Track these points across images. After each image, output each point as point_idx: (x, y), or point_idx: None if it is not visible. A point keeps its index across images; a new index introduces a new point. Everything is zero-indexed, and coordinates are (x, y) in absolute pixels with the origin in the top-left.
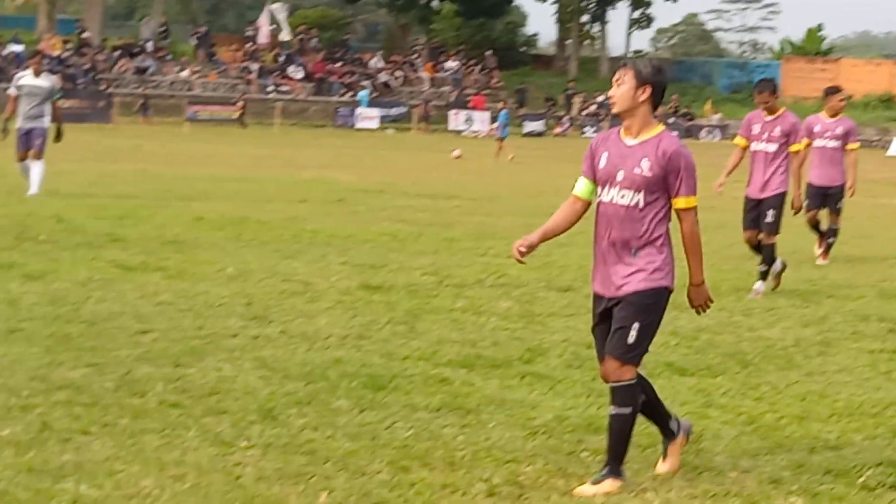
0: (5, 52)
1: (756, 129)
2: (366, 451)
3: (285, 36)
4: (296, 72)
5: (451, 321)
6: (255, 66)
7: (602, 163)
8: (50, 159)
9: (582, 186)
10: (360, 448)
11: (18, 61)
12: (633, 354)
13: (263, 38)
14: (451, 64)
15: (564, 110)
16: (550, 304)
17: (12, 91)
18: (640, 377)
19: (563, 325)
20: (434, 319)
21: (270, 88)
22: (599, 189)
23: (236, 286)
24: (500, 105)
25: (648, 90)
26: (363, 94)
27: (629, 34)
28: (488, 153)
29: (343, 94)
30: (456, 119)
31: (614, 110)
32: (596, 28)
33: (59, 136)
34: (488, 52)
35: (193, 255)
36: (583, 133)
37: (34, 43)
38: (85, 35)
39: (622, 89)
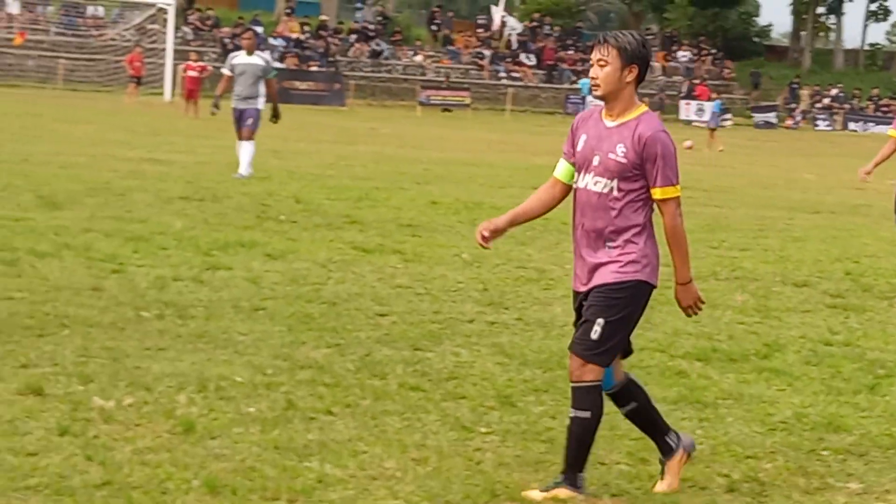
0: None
1: None
2: (605, 441)
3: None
4: (527, 58)
5: None
6: (487, 52)
7: (580, 145)
8: (287, 139)
9: (562, 168)
10: (598, 438)
11: (258, 42)
12: (597, 353)
13: (496, 24)
14: (684, 53)
15: (794, 103)
16: (786, 300)
17: (226, 70)
18: (631, 381)
19: (799, 321)
20: (670, 311)
21: (502, 74)
22: (576, 173)
23: (472, 271)
24: (714, 95)
25: (636, 69)
26: (584, 83)
27: (865, 26)
28: (715, 143)
29: (574, 82)
30: (687, 109)
31: (597, 93)
32: (831, 20)
33: (276, 117)
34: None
35: (429, 238)
36: (815, 126)
37: (273, 25)
38: (322, 17)
39: (606, 70)
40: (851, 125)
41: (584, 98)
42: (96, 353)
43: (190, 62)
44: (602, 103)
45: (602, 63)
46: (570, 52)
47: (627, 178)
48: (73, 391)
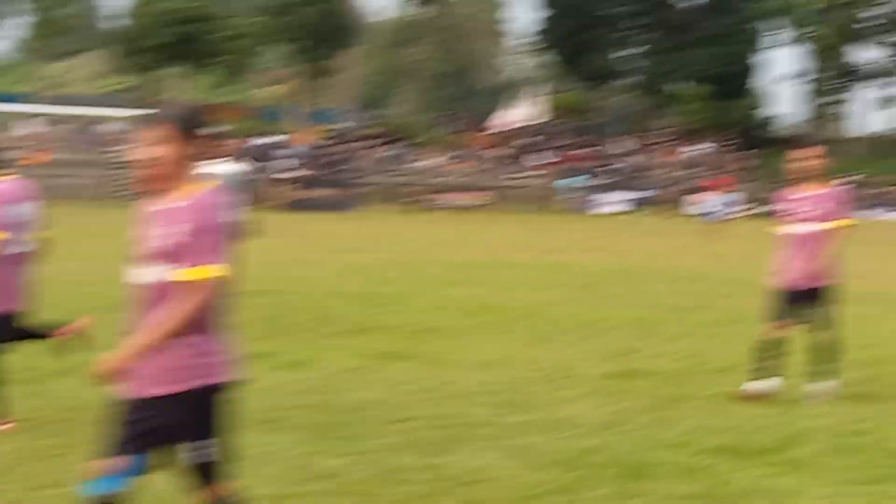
0: (260, 142)
1: None
2: None
3: (536, 117)
4: (543, 157)
5: (708, 407)
6: (502, 153)
7: None
8: (308, 248)
9: None
10: None
11: (274, 152)
12: None
13: (510, 124)
14: (699, 146)
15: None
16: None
17: None
18: None
19: (823, 411)
20: (691, 405)
21: (518, 174)
22: None
23: (491, 373)
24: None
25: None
26: (580, 179)
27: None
28: (731, 235)
29: (589, 179)
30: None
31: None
32: (843, 108)
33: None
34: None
35: (448, 342)
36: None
37: (289, 134)
38: (339, 125)
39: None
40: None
41: (600, 195)
42: None
43: None
44: None
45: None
46: (585, 150)
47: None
48: None
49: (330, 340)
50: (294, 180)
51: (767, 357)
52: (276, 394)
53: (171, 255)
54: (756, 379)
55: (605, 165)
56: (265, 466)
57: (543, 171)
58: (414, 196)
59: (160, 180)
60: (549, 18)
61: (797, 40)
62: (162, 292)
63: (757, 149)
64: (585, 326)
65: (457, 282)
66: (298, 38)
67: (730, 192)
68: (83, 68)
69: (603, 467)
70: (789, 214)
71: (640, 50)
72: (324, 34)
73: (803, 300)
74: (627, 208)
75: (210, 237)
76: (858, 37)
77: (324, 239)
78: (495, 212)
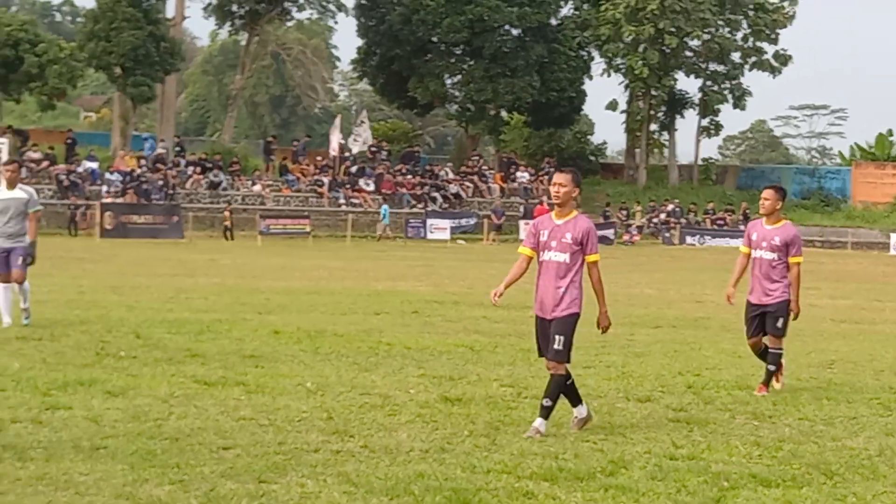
0: (80, 168)
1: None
2: None
3: (362, 145)
4: (366, 184)
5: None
6: (325, 179)
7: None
8: (126, 274)
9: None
10: None
11: (93, 178)
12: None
13: (333, 150)
14: (522, 174)
15: (631, 219)
16: (630, 415)
17: None
18: None
19: (643, 437)
20: (515, 431)
21: (342, 201)
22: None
23: (316, 400)
24: None
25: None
26: (384, 209)
27: (698, 142)
28: None
29: (413, 206)
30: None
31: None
32: (664, 136)
33: (31, 258)
34: (553, 161)
35: (272, 368)
36: (662, 241)
37: (109, 159)
38: (159, 150)
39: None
40: (689, 239)
41: (424, 223)
42: None
43: None
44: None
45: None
46: (409, 177)
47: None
48: None
49: (155, 367)
50: (114, 206)
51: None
52: (99, 422)
53: None
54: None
55: (432, 192)
56: (91, 495)
57: (369, 198)
58: (237, 222)
59: None
60: (368, 46)
61: (618, 69)
62: None
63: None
64: (411, 353)
65: (281, 309)
66: (119, 64)
67: None
68: None
69: (429, 493)
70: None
71: (461, 78)
72: (145, 59)
73: None
74: (454, 234)
75: None
76: (676, 67)
77: (145, 265)
78: (321, 238)
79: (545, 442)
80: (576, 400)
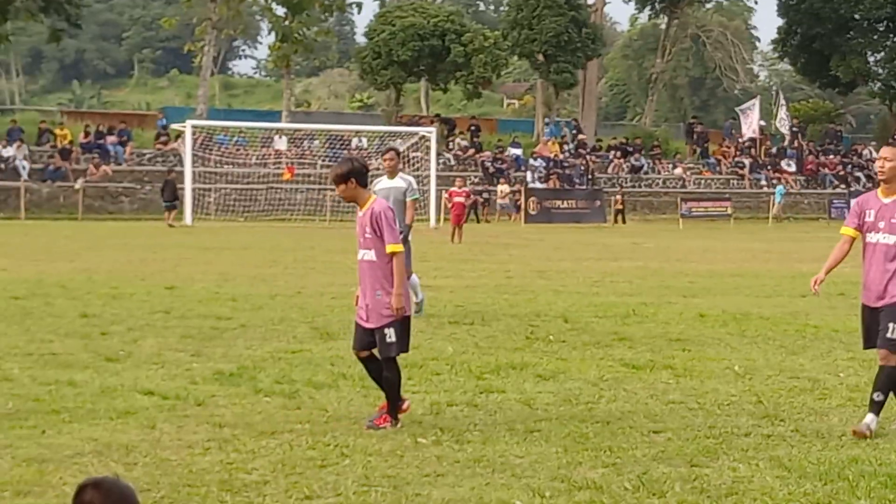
0: (505, 154)
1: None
2: None
3: (784, 126)
4: (788, 165)
5: None
6: (746, 161)
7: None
8: (551, 259)
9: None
10: None
11: (518, 164)
12: None
13: (750, 132)
14: None
15: None
16: None
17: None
18: None
19: None
20: None
21: (763, 183)
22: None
23: (744, 384)
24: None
25: None
26: (779, 189)
27: None
28: None
29: (836, 187)
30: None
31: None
32: None
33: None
34: None
35: (699, 352)
36: None
37: (532, 145)
38: (581, 136)
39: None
40: None
41: (848, 203)
42: (377, 482)
43: (454, 188)
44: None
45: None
46: (831, 157)
47: None
48: None
49: (584, 351)
50: (537, 192)
51: None
52: (532, 404)
53: None
54: None
55: (855, 172)
56: (528, 478)
57: (791, 179)
58: (659, 206)
59: None
60: (789, 25)
61: None
62: None
63: None
64: (839, 336)
65: (706, 291)
66: (541, 51)
67: None
68: (328, 85)
69: (863, 478)
70: None
71: (884, 55)
72: (567, 45)
73: None
74: None
75: None
76: None
77: (570, 250)
78: (742, 220)
79: None
80: None
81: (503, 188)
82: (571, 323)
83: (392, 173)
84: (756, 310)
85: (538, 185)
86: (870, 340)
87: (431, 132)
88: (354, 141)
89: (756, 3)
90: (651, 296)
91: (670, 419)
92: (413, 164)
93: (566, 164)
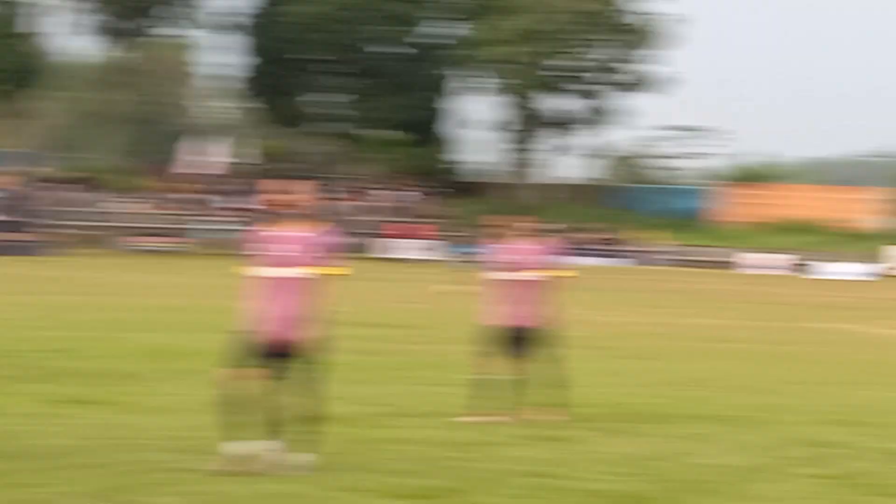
0: None
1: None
2: None
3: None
4: (239, 202)
5: (390, 450)
6: (199, 197)
7: None
8: None
9: None
10: None
11: None
12: None
13: (183, 167)
14: (397, 192)
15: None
16: None
17: None
18: None
19: (510, 454)
20: (366, 447)
21: (214, 218)
22: None
23: (172, 419)
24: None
25: None
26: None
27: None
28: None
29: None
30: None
31: None
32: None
33: None
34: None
35: (131, 387)
36: None
37: None
38: (28, 168)
39: None
40: None
41: None
42: None
43: None
44: None
45: None
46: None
47: None
48: None
49: (12, 386)
50: None
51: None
52: None
53: None
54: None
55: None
56: None
57: (240, 216)
58: (108, 240)
59: None
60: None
61: (488, 89)
62: None
63: (454, 195)
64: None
65: (145, 327)
66: None
67: (429, 237)
68: None
69: None
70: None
71: (337, 96)
72: (10, 74)
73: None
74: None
75: None
76: (547, 86)
77: (13, 283)
78: (188, 256)
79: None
80: None
81: None
82: (7, 358)
83: None
84: (193, 344)
85: None
86: None
87: None
88: None
89: (215, 41)
90: (90, 330)
91: (101, 454)
92: None
93: (13, 196)
